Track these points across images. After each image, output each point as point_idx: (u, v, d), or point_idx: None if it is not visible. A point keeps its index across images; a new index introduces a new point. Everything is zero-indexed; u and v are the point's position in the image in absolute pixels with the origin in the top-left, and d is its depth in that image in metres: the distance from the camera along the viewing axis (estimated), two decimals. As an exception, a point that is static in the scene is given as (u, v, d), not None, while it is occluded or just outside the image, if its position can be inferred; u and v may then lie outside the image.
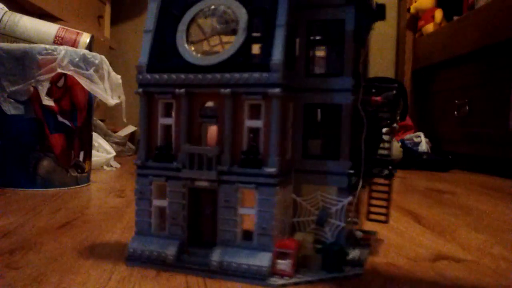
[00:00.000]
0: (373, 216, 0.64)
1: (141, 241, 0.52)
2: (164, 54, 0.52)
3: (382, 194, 0.63)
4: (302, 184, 0.53)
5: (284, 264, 0.48)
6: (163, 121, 0.53)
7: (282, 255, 0.48)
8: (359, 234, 0.54)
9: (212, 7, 0.51)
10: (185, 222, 0.51)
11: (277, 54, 0.47)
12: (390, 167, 0.59)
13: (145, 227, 0.53)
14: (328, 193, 0.52)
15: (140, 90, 0.52)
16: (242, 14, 0.50)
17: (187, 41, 0.51)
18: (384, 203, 0.63)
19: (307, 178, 0.53)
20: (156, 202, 0.53)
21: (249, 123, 0.49)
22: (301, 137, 0.53)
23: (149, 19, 0.53)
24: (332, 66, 0.54)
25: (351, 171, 0.51)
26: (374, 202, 0.63)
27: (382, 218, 0.63)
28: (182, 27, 0.52)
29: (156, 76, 0.51)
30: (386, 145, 0.60)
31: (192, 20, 0.52)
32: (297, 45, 0.53)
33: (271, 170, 0.47)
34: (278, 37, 0.48)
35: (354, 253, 0.53)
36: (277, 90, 0.47)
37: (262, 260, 0.47)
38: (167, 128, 0.53)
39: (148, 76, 0.52)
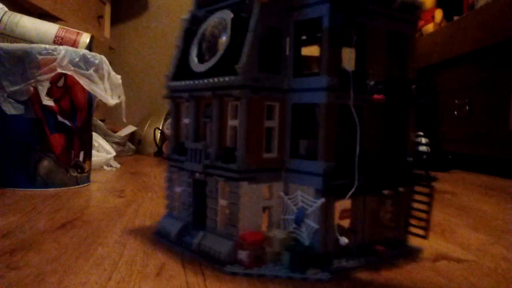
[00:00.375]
0: (411, 229, 0.59)
1: (165, 220, 0.64)
2: (182, 64, 0.62)
3: (421, 205, 0.57)
4: (290, 183, 0.54)
5: (243, 254, 0.50)
6: (184, 120, 0.62)
7: (244, 246, 0.50)
8: (343, 241, 0.51)
9: (216, 19, 0.58)
10: (190, 208, 0.59)
11: (243, 58, 0.51)
12: (426, 173, 0.57)
13: (171, 209, 0.64)
14: (308, 194, 0.51)
15: (168, 95, 0.64)
16: (229, 23, 0.55)
17: (197, 52, 0.60)
18: (423, 215, 0.57)
19: (293, 177, 0.54)
20: (177, 189, 0.62)
21: (231, 122, 0.54)
22: (289, 137, 0.54)
23: (180, 36, 0.64)
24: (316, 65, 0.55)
25: (328, 172, 0.50)
26: (413, 213, 0.58)
27: (421, 232, 0.57)
28: (195, 40, 0.61)
29: (174, 83, 0.62)
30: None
31: (203, 33, 0.60)
32: (287, 46, 0.54)
33: (233, 165, 0.51)
34: (246, 42, 0.52)
35: (341, 260, 0.52)
36: (238, 91, 0.51)
37: (224, 247, 0.52)
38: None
39: (171, 83, 0.63)
